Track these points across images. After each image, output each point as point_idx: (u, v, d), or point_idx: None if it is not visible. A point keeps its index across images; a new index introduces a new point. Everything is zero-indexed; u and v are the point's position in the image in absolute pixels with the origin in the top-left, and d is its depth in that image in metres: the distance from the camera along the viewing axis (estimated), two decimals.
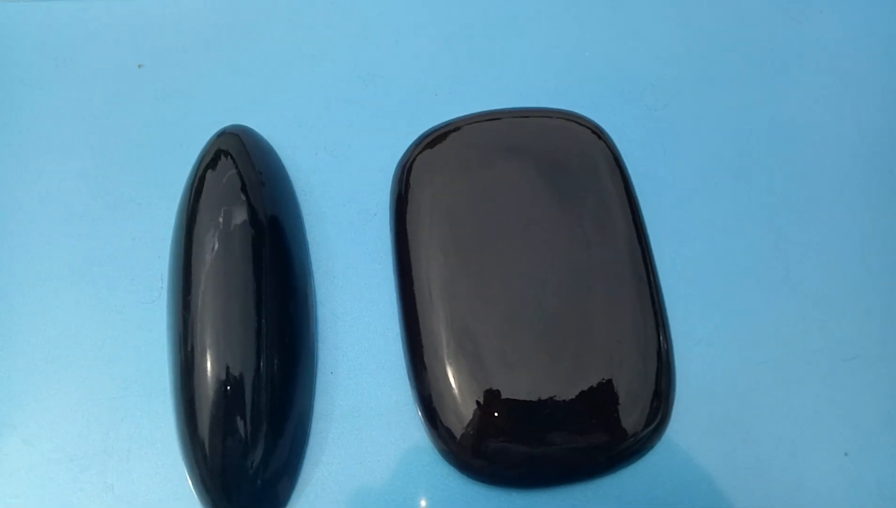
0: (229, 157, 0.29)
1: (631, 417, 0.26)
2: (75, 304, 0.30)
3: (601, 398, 0.26)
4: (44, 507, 0.27)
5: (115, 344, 0.29)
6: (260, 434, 0.26)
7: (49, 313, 0.30)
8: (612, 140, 0.31)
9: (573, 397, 0.26)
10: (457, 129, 0.31)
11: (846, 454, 0.28)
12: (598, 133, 0.31)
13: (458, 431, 0.26)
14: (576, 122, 0.31)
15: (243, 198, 0.28)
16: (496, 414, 0.26)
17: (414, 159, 0.30)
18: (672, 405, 0.27)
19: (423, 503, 0.27)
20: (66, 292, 0.30)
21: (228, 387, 0.25)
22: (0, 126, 0.33)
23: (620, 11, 0.36)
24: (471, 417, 0.26)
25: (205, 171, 0.29)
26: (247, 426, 0.25)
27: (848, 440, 0.28)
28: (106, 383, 0.29)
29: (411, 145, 0.31)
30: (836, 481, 0.28)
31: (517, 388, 0.26)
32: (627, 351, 0.27)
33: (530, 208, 0.29)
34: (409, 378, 0.28)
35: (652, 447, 0.27)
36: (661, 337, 0.27)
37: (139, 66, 0.35)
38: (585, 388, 0.26)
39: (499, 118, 0.31)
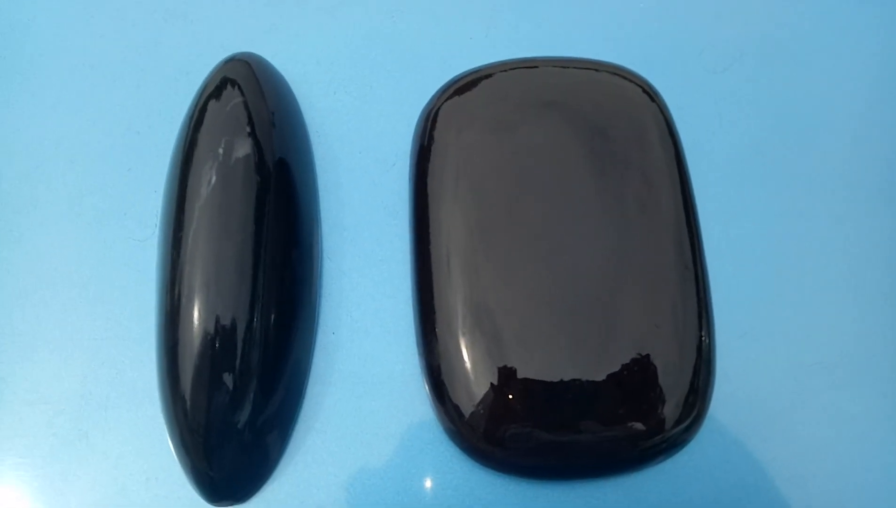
0: (236, 86, 0.26)
1: (662, 411, 0.24)
2: (61, 236, 0.28)
3: (630, 388, 0.23)
4: (13, 449, 0.25)
5: (102, 282, 0.27)
6: (248, 393, 0.23)
7: (32, 243, 0.28)
8: (664, 102, 0.27)
9: (599, 384, 0.23)
10: (489, 76, 0.28)
11: None
12: (649, 93, 0.28)
13: (467, 409, 0.24)
14: (625, 77, 0.28)
15: (248, 130, 0.25)
16: (511, 395, 0.23)
17: (440, 108, 0.27)
18: (709, 401, 0.24)
19: (423, 483, 0.25)
20: (52, 223, 0.28)
21: (216, 337, 0.23)
22: None
23: None
24: (482, 396, 0.23)
25: (207, 99, 0.26)
26: (234, 382, 0.23)
27: None
28: (88, 323, 0.27)
29: (438, 92, 0.28)
30: (888, 502, 0.25)
31: (537, 369, 0.23)
32: (664, 338, 0.24)
33: (567, 173, 0.26)
34: (418, 347, 0.25)
35: (682, 446, 0.24)
36: (702, 326, 0.24)
37: None
38: (613, 375, 0.23)
39: (536, 66, 0.28)
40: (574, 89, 0.27)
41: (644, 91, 0.27)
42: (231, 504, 0.24)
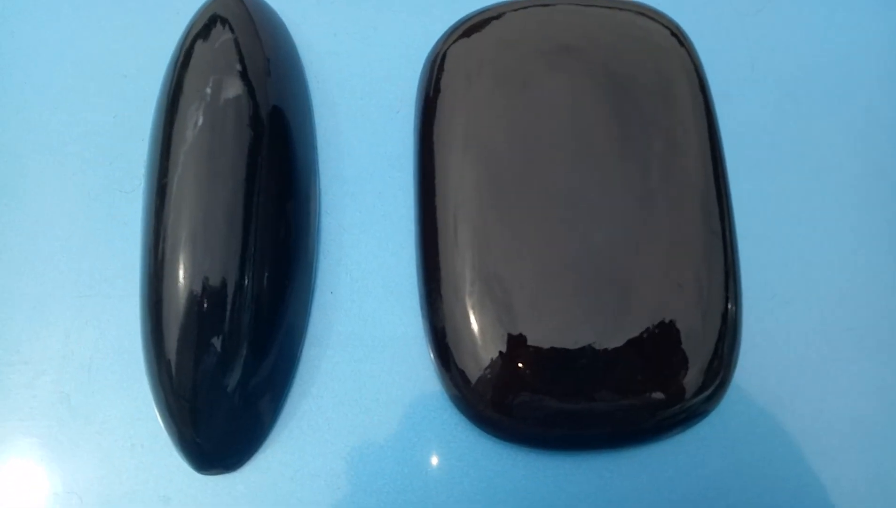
0: (226, 24, 0.24)
1: (683, 378, 0.22)
2: (43, 187, 0.26)
3: (649, 354, 0.22)
4: None
5: (86, 236, 0.26)
6: (238, 356, 0.22)
7: (12, 194, 0.26)
8: (693, 46, 0.25)
9: (615, 349, 0.22)
10: (500, 16, 0.26)
11: None
12: (677, 35, 0.26)
13: (474, 375, 0.22)
14: (651, 18, 0.26)
15: (239, 69, 0.23)
16: (521, 361, 0.22)
17: (447, 51, 0.25)
18: (733, 369, 0.23)
19: (425, 452, 0.23)
20: (33, 173, 0.26)
21: (203, 296, 0.21)
22: None
23: None
24: (490, 361, 0.22)
25: (195, 38, 0.24)
26: (223, 344, 0.21)
27: None
28: (72, 279, 0.25)
29: (445, 34, 0.26)
30: None
31: (550, 333, 0.22)
32: (687, 302, 0.22)
33: (585, 126, 0.24)
34: (422, 308, 0.24)
35: (703, 416, 0.23)
36: (728, 289, 0.23)
37: None
38: (631, 341, 0.22)
39: (551, 5, 0.26)
40: (595, 31, 0.25)
41: (672, 34, 0.25)
42: (220, 472, 0.23)
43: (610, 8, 0.26)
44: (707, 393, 0.22)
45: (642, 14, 0.26)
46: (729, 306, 0.23)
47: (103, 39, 0.28)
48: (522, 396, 0.22)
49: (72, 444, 0.23)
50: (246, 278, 0.22)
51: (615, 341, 0.22)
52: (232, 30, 0.24)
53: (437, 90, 0.25)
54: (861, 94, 0.27)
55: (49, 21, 0.28)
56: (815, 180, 0.26)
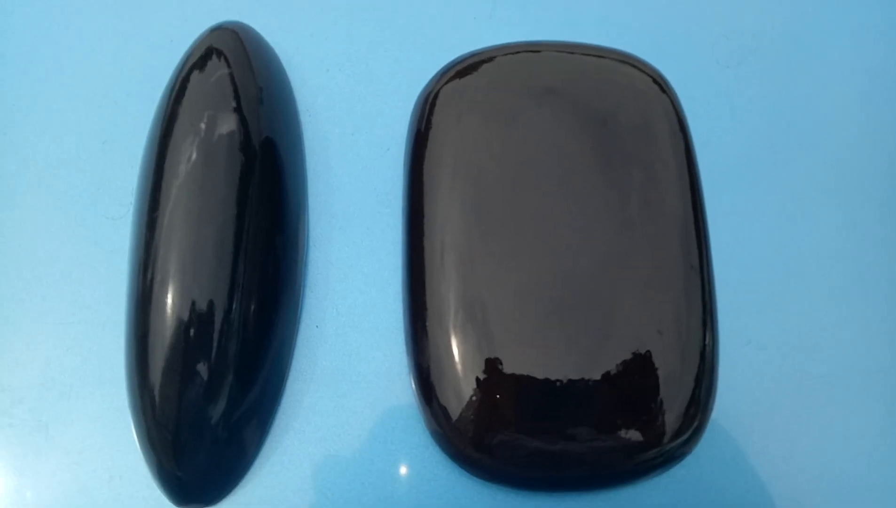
0: (222, 56, 0.24)
1: (660, 422, 0.22)
2: (28, 211, 0.26)
3: (628, 397, 0.22)
4: None
5: (71, 262, 0.25)
6: (222, 388, 0.22)
7: None
8: (675, 93, 0.26)
9: (595, 392, 0.22)
10: (491, 59, 0.26)
11: None
12: (660, 83, 0.26)
13: (455, 412, 0.22)
14: (634, 66, 0.27)
15: (234, 105, 0.23)
16: (501, 399, 0.22)
17: (439, 91, 0.26)
18: (710, 413, 0.23)
19: (406, 489, 0.23)
20: (18, 196, 0.26)
21: (190, 327, 0.21)
22: None
23: None
24: (472, 399, 0.22)
25: (191, 69, 0.24)
26: (208, 376, 0.21)
27: None
28: (54, 305, 0.25)
29: (436, 75, 0.26)
30: None
31: (531, 373, 0.22)
32: (666, 344, 0.23)
33: (570, 166, 0.24)
34: (407, 344, 0.24)
35: (680, 459, 0.23)
36: (706, 332, 0.23)
37: None
38: (611, 382, 0.22)
39: (539, 51, 0.26)
40: (580, 77, 0.26)
41: (654, 81, 0.26)
42: (199, 507, 0.23)
43: (595, 56, 0.27)
44: (684, 437, 0.22)
45: (625, 62, 0.26)
46: (707, 349, 0.23)
47: (95, 65, 0.28)
48: (502, 435, 0.22)
49: (49, 474, 0.23)
50: (233, 310, 0.22)
51: (594, 383, 0.22)
52: (228, 64, 0.24)
53: (428, 127, 0.25)
54: (835, 146, 0.28)
55: (40, 43, 0.28)
56: (790, 228, 0.27)
